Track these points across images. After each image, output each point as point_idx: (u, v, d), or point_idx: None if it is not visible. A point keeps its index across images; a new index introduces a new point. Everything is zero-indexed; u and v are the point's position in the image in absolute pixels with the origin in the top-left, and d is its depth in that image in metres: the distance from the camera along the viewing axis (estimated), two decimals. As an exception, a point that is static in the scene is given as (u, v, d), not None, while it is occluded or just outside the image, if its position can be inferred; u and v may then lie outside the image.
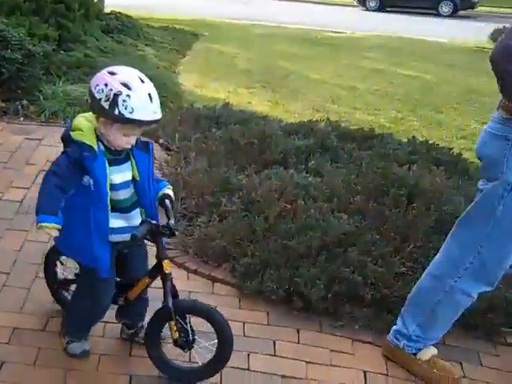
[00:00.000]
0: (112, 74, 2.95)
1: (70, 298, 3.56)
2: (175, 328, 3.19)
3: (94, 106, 2.97)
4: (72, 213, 3.03)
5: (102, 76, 2.95)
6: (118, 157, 3.08)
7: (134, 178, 3.13)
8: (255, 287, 4.12)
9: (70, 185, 2.98)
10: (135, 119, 2.89)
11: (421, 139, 6.63)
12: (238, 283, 4.21)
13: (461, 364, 3.86)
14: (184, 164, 5.55)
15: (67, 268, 3.73)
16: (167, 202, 3.21)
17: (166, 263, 3.17)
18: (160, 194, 3.23)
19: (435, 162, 5.86)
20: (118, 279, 3.34)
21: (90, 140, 2.98)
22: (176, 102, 8.29)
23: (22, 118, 6.99)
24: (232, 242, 4.41)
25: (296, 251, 4.21)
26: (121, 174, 3.08)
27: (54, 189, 2.94)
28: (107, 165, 3.00)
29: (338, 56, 13.85)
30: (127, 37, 11.22)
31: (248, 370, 3.52)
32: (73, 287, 3.62)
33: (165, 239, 3.24)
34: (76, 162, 2.96)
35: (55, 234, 2.96)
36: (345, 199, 4.86)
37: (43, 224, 2.91)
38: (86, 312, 3.33)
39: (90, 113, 3.08)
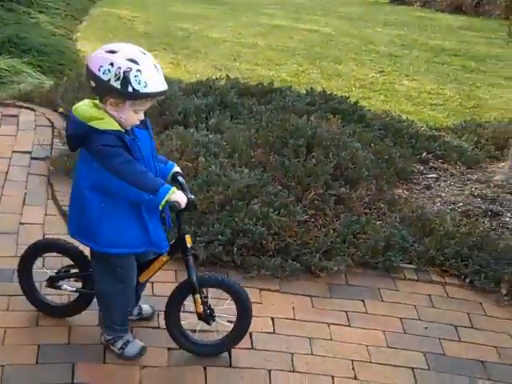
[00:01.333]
0: (113, 52, 2.84)
1: (96, 294, 3.36)
2: (200, 301, 3.21)
3: (102, 88, 2.86)
4: (120, 211, 3.01)
5: (103, 56, 2.84)
6: (131, 136, 3.02)
7: None
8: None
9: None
10: (150, 92, 2.84)
11: (319, 90, 6.72)
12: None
13: (363, 301, 4.02)
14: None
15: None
16: (180, 178, 3.20)
17: (188, 237, 3.16)
18: (171, 172, 3.22)
19: (333, 112, 5.98)
20: None
21: (115, 125, 2.91)
22: (74, 69, 8.07)
23: None
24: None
25: (199, 208, 4.22)
26: (144, 149, 3.05)
27: (140, 167, 2.92)
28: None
29: (238, 14, 13.79)
30: (18, 4, 10.75)
31: (159, 328, 3.57)
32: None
33: None
34: (120, 148, 2.90)
35: (184, 197, 2.96)
36: (246, 153, 4.91)
37: (168, 195, 2.88)
38: (121, 297, 3.24)
39: (86, 100, 2.99)
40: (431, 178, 5.94)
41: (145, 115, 3.04)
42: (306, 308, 3.89)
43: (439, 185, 5.83)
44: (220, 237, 4.06)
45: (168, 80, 6.81)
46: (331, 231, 4.36)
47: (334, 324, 3.77)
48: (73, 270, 3.48)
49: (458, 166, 6.22)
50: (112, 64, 2.80)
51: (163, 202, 2.89)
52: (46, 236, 4.21)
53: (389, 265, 4.30)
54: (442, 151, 6.32)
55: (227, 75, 6.87)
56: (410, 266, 4.40)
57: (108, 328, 3.35)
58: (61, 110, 6.27)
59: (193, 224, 4.16)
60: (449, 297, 4.19)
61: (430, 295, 4.17)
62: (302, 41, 11.75)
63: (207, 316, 3.28)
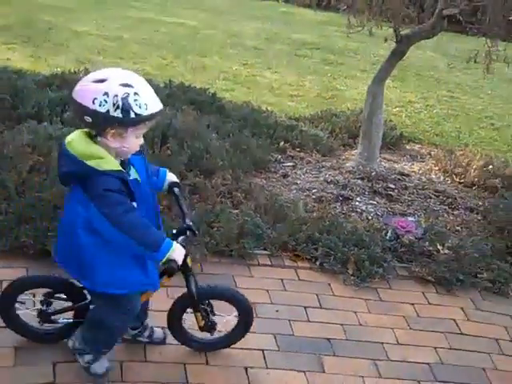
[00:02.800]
0: (102, 80, 2.61)
1: (89, 318, 3.16)
2: (201, 317, 3.24)
3: (100, 121, 2.62)
4: (118, 253, 2.82)
5: (92, 88, 2.59)
6: (127, 168, 2.83)
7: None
8: (11, 244, 3.97)
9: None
10: (153, 113, 2.64)
11: (178, 82, 6.70)
12: (-8, 241, 4.04)
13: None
14: None
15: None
16: (176, 190, 3.08)
17: (189, 259, 3.06)
18: (167, 182, 3.07)
19: (191, 103, 6.00)
20: None
21: (116, 165, 2.69)
22: None
23: None
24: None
25: (51, 203, 4.11)
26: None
27: (142, 219, 2.76)
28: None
29: (103, 7, 13.46)
30: None
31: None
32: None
33: None
34: (122, 192, 2.69)
35: (183, 252, 2.85)
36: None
37: (169, 253, 2.77)
38: (122, 326, 3.15)
39: (79, 131, 2.75)
40: (288, 166, 6.10)
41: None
42: (162, 299, 3.87)
43: (296, 173, 6.00)
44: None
45: (20, 73, 6.62)
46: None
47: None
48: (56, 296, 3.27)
49: (313, 154, 6.42)
50: (107, 94, 2.57)
51: (164, 260, 2.78)
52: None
53: (243, 252, 4.37)
54: (299, 140, 6.51)
55: (86, 68, 6.70)
56: (264, 252, 4.50)
57: (87, 344, 3.14)
58: None
59: (44, 219, 4.02)
60: (300, 280, 4.32)
61: (282, 279, 4.28)
62: (168, 34, 11.66)
63: (209, 327, 3.34)
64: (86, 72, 6.54)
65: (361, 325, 3.98)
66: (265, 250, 4.51)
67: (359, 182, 5.83)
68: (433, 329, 4.04)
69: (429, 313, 4.20)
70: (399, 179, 6.04)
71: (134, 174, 2.88)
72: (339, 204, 5.42)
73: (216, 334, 3.45)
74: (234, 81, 9.07)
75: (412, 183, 6.02)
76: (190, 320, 3.39)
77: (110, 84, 2.60)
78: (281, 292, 4.16)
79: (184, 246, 2.90)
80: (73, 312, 3.28)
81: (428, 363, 3.74)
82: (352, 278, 4.37)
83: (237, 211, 4.72)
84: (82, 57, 9.34)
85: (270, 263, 4.43)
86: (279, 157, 6.21)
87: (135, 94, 2.60)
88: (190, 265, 3.11)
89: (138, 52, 10.10)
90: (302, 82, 9.50)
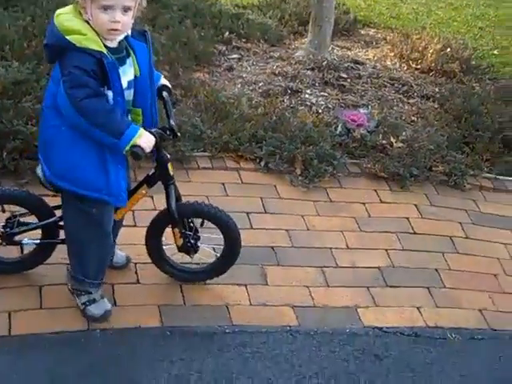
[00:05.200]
0: None
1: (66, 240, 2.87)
2: (179, 234, 2.94)
3: None
4: (78, 141, 2.55)
5: None
6: (120, 55, 2.53)
7: (134, 76, 2.60)
8: None
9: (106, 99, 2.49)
10: None
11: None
12: None
13: (152, 197, 3.69)
14: None
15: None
16: (165, 94, 2.82)
17: (170, 165, 2.81)
18: (157, 85, 2.78)
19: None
20: None
21: (97, 44, 2.43)
22: None
23: None
24: None
25: None
26: (126, 76, 2.56)
27: (106, 105, 2.48)
28: (119, 67, 2.50)
29: None
30: None
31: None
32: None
33: None
34: (96, 74, 2.42)
35: (152, 139, 2.55)
36: (18, 45, 4.28)
37: (134, 139, 2.47)
38: (97, 244, 2.78)
39: (72, 6, 2.48)
40: (233, 58, 5.62)
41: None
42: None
43: (241, 65, 5.53)
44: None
45: None
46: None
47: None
48: (26, 219, 2.94)
49: (261, 45, 5.93)
50: None
51: (127, 148, 2.48)
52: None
53: (181, 155, 3.97)
54: (245, 30, 5.98)
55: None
56: (205, 154, 4.11)
57: (76, 280, 2.85)
58: None
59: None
60: (243, 183, 3.98)
61: (223, 183, 3.94)
62: None
63: (188, 248, 3.01)
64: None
65: (308, 229, 3.69)
66: (205, 151, 4.12)
67: (309, 72, 5.39)
68: (384, 229, 3.78)
69: (381, 212, 3.91)
70: (352, 68, 5.60)
71: (130, 63, 2.61)
72: (287, 97, 5.00)
73: (197, 264, 3.15)
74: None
75: (366, 71, 5.59)
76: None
77: None
78: (222, 197, 3.81)
79: (154, 135, 2.58)
80: (41, 233, 2.97)
81: (378, 267, 3.50)
82: (300, 178, 4.04)
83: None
84: None
85: (210, 166, 4.06)
86: (224, 49, 5.70)
87: None
88: (171, 172, 2.84)
89: None
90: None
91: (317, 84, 5.26)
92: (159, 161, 2.82)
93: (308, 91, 5.13)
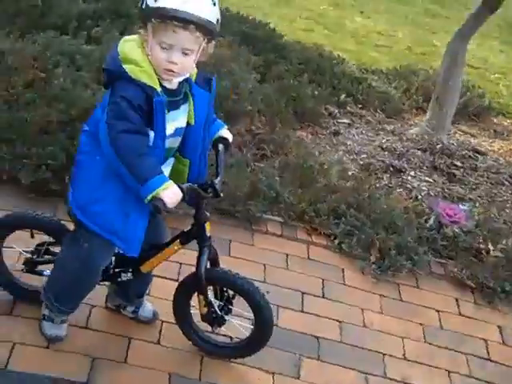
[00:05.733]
0: None
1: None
2: (204, 302, 2.73)
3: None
4: (108, 176, 2.41)
5: None
6: (175, 98, 2.41)
7: (187, 123, 2.49)
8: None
9: (148, 140, 2.34)
10: (159, 7, 2.20)
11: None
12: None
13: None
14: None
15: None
16: (221, 147, 2.62)
17: (208, 225, 2.62)
18: (215, 136, 2.63)
19: (243, 36, 5.35)
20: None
21: (152, 79, 2.31)
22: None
23: None
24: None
25: (35, 125, 3.61)
26: (175, 122, 2.44)
27: (143, 146, 2.31)
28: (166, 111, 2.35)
29: None
30: None
31: None
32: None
33: None
34: (141, 111, 2.29)
35: (179, 195, 2.33)
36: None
37: (157, 189, 2.27)
38: (74, 280, 2.64)
39: (139, 35, 2.37)
40: (343, 123, 5.38)
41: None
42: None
43: (349, 132, 5.28)
44: (50, 161, 3.46)
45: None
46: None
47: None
48: (55, 249, 2.83)
49: (377, 114, 5.66)
50: None
51: (149, 197, 2.29)
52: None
53: (249, 215, 3.75)
54: (364, 96, 5.73)
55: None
56: (276, 218, 3.86)
57: (45, 295, 2.74)
58: None
59: (21, 144, 3.54)
60: (309, 258, 3.68)
61: (287, 255, 3.65)
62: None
63: (211, 318, 2.79)
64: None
65: (365, 326, 3.31)
66: (277, 216, 3.86)
67: (419, 153, 5.02)
68: (454, 347, 3.31)
69: (455, 326, 3.46)
70: (470, 157, 5.16)
71: (185, 109, 2.48)
72: (388, 176, 4.67)
73: (226, 340, 2.93)
74: (316, 21, 8.25)
75: (485, 164, 5.14)
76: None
77: None
78: (280, 270, 3.53)
79: (183, 191, 2.35)
80: None
81: (434, 390, 3.05)
82: (373, 266, 3.67)
83: (255, 167, 4.08)
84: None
85: (279, 233, 3.78)
86: (336, 111, 5.47)
87: None
88: (207, 234, 2.62)
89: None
90: (394, 31, 8.54)
91: (424, 167, 4.88)
92: (197, 219, 2.62)
93: (412, 173, 4.77)
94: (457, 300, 3.64)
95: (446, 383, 3.10)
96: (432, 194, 4.55)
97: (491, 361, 3.28)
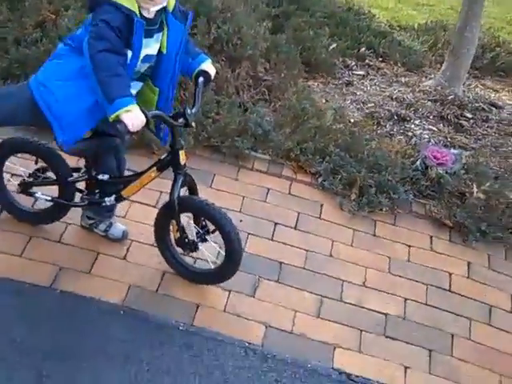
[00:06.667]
0: None
1: None
2: (176, 227, 2.93)
3: None
4: (80, 74, 2.65)
5: None
6: (153, 27, 2.64)
7: (159, 51, 2.72)
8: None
9: (125, 59, 2.57)
10: None
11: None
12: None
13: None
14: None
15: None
16: (201, 80, 2.81)
17: (182, 153, 2.82)
18: (197, 69, 2.83)
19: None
20: (107, 176, 2.98)
21: (132, 3, 2.53)
22: None
23: None
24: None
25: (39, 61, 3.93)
26: (147, 48, 2.66)
27: (118, 67, 2.52)
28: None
29: None
30: None
31: None
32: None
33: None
34: (120, 32, 2.52)
35: (142, 118, 2.52)
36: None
37: (121, 110, 2.48)
38: None
39: None
40: (357, 74, 5.48)
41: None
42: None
43: (363, 83, 5.38)
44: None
45: None
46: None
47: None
48: (48, 174, 3.13)
49: (396, 67, 5.71)
50: None
51: (113, 116, 2.50)
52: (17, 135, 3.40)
53: (237, 152, 3.97)
54: (386, 49, 5.79)
55: None
56: (265, 157, 4.06)
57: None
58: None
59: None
60: (289, 194, 3.87)
61: (269, 189, 3.86)
62: None
63: (184, 244, 3.00)
64: None
65: (331, 256, 3.50)
66: (265, 154, 4.06)
67: (429, 103, 5.08)
68: (416, 278, 3.46)
69: (423, 260, 3.59)
70: (483, 109, 5.17)
71: (158, 38, 2.69)
72: (391, 123, 4.77)
73: (201, 266, 3.14)
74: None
75: (498, 116, 5.15)
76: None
77: None
78: (258, 202, 3.75)
79: (146, 116, 2.55)
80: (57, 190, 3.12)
81: (386, 314, 3.23)
82: (353, 203, 3.82)
83: (250, 108, 4.27)
84: None
85: (265, 170, 3.99)
86: (353, 63, 5.57)
87: None
88: (181, 162, 2.83)
89: None
90: (440, -10, 8.43)
91: (431, 117, 4.95)
92: (171, 147, 2.84)
93: (417, 121, 4.85)
94: (431, 237, 3.75)
95: (401, 309, 3.25)
96: (433, 141, 4.63)
97: (450, 291, 3.41)
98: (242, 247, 3.01)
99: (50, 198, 3.14)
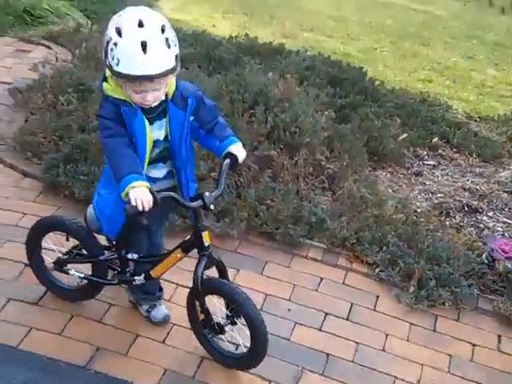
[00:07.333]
0: (118, 15, 2.60)
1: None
2: (200, 308, 2.96)
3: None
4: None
5: (113, 18, 2.62)
6: (152, 115, 2.75)
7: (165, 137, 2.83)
8: (52, 181, 4.10)
9: (129, 140, 2.70)
10: (121, 72, 2.54)
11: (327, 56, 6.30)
12: (39, 176, 4.21)
13: (238, 270, 3.73)
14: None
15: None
16: (226, 162, 2.83)
17: (205, 235, 2.85)
18: (224, 152, 2.87)
19: (330, 79, 5.62)
20: (137, 255, 3.08)
21: (121, 93, 2.66)
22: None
23: None
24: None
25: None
26: (157, 132, 2.79)
27: (122, 148, 2.65)
28: (146, 122, 2.71)
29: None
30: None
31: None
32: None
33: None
34: (118, 121, 2.68)
35: (147, 196, 2.57)
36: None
37: (132, 184, 2.57)
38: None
39: None
40: (428, 164, 5.41)
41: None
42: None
43: (433, 173, 5.31)
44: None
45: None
46: (232, 193, 4.11)
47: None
48: (82, 252, 3.26)
49: (471, 159, 5.60)
50: (107, 29, 2.59)
51: (123, 195, 2.61)
52: (51, 214, 3.79)
53: (290, 240, 3.95)
54: (460, 140, 5.71)
55: (246, 34, 6.62)
56: (320, 245, 4.01)
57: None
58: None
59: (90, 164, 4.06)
60: (343, 284, 3.79)
61: (322, 278, 3.79)
62: (401, 20, 11.11)
63: (210, 326, 3.00)
64: (246, 37, 6.48)
65: (383, 351, 3.35)
66: (320, 242, 4.01)
67: (504, 195, 4.93)
68: (478, 379, 3.24)
69: (490, 361, 3.37)
70: None
71: (161, 125, 2.80)
72: (460, 215, 4.63)
73: (232, 349, 3.12)
74: (440, 72, 8.30)
75: None
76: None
77: (113, 22, 2.58)
78: (308, 291, 3.68)
79: (154, 196, 2.59)
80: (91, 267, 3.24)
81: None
82: (410, 296, 3.69)
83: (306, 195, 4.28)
84: (289, 31, 9.31)
85: (320, 259, 3.93)
86: (424, 154, 5.52)
87: (114, 44, 2.54)
88: (205, 243, 2.86)
89: (353, 33, 9.78)
90: (526, 83, 8.36)
91: (506, 209, 4.78)
92: (195, 228, 2.87)
93: (490, 213, 4.69)
94: (499, 337, 3.55)
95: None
96: (507, 235, 4.45)
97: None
98: (266, 333, 2.91)
99: (83, 276, 3.23)
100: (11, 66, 6.03)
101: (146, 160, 2.78)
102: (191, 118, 2.84)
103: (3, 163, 4.43)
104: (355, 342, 3.37)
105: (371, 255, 3.91)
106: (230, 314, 3.01)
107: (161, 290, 3.32)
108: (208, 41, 6.12)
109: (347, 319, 3.52)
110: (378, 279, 3.82)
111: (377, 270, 3.86)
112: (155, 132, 2.78)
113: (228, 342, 3.12)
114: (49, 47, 6.62)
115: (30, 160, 4.41)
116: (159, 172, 2.90)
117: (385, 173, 5.18)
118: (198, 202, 2.78)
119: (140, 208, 2.56)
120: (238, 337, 3.05)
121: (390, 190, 4.83)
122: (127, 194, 2.58)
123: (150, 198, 2.58)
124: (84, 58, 5.71)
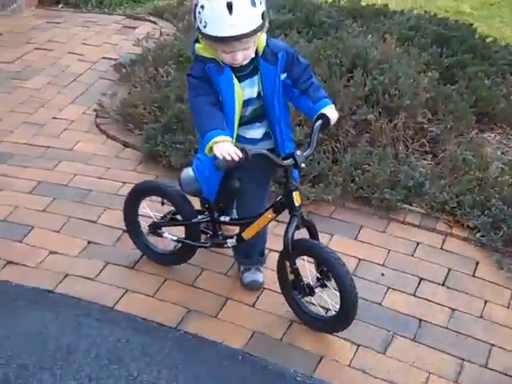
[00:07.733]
0: None
1: None
2: (289, 269, 3.01)
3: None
4: None
5: None
6: (243, 73, 2.81)
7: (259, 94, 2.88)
8: (150, 151, 4.26)
9: (215, 98, 2.78)
10: (208, 35, 2.63)
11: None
12: (139, 147, 4.39)
13: (331, 235, 3.74)
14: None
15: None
16: (318, 123, 2.86)
17: (296, 195, 2.89)
18: (317, 113, 2.89)
19: (437, 38, 5.44)
20: (228, 218, 3.21)
21: (211, 53, 2.75)
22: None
23: (60, 5, 7.48)
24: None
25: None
26: (249, 90, 2.85)
27: (206, 106, 2.75)
28: (235, 80, 2.77)
29: None
30: None
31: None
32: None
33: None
34: (205, 80, 2.77)
35: (233, 148, 2.64)
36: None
37: (215, 139, 2.66)
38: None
39: None
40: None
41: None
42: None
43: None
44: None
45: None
46: (328, 158, 4.11)
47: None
48: (177, 216, 3.37)
49: None
50: None
51: (206, 150, 2.70)
52: (147, 179, 3.97)
53: (387, 204, 3.91)
54: None
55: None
56: (418, 209, 3.94)
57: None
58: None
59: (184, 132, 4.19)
60: (441, 249, 3.71)
61: (418, 243, 3.73)
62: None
63: (299, 287, 3.03)
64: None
65: (481, 317, 3.26)
66: (419, 207, 3.94)
67: None
68: None
69: None
70: None
71: (255, 80, 2.85)
72: None
73: (320, 312, 3.15)
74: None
75: None
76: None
77: None
78: (404, 256, 3.63)
79: (243, 151, 2.64)
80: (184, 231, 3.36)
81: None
82: (512, 261, 3.57)
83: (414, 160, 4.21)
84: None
85: (417, 224, 3.86)
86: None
87: (201, 6, 2.63)
88: (296, 203, 2.91)
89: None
90: None
91: None
92: (285, 188, 2.92)
93: None
94: None
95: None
96: None
97: None
98: (356, 294, 2.91)
99: (176, 238, 3.36)
100: (117, 43, 6.26)
101: (237, 118, 2.84)
102: (284, 76, 2.88)
103: (106, 135, 4.66)
104: (450, 308, 3.30)
105: (472, 219, 3.80)
106: (320, 277, 3.04)
107: (262, 255, 3.37)
108: (308, 5, 6.08)
109: (443, 285, 3.45)
110: (479, 244, 3.71)
111: (478, 235, 3.75)
112: (247, 90, 2.83)
113: (317, 305, 3.15)
114: (154, 22, 6.82)
115: (132, 131, 4.61)
116: (256, 132, 2.97)
117: (494, 134, 4.97)
118: (290, 161, 2.82)
119: (228, 158, 2.62)
120: (327, 299, 3.08)
121: (499, 153, 4.65)
122: (211, 149, 2.66)
123: (236, 149, 2.64)
124: (186, 30, 5.84)
